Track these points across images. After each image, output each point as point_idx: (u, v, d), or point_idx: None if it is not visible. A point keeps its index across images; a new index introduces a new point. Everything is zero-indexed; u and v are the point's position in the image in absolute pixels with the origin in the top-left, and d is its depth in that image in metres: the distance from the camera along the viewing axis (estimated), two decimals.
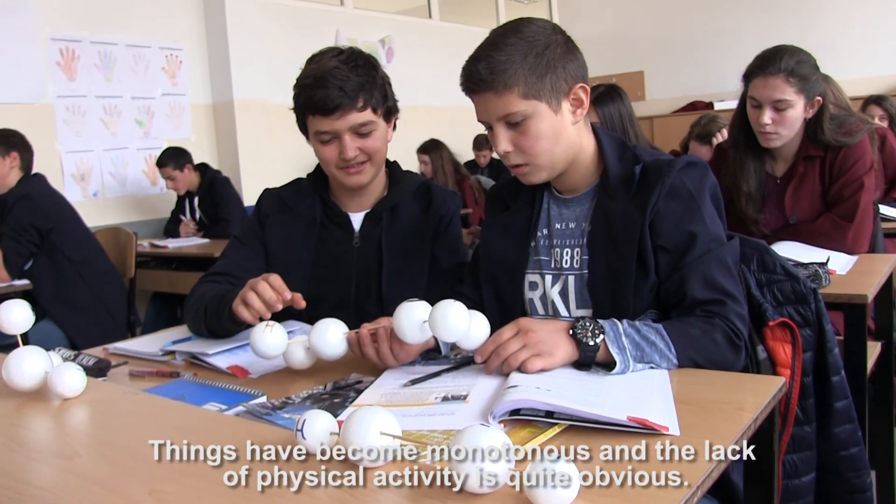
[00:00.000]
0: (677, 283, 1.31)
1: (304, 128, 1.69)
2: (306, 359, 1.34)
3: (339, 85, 1.57)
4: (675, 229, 1.32)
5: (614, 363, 1.16)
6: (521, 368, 1.14)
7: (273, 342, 1.31)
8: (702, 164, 1.39)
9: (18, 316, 1.28)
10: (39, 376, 1.19)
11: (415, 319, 1.20)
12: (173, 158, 4.58)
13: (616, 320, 1.22)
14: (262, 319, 1.37)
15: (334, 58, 1.62)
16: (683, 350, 1.20)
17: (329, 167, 1.68)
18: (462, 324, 1.18)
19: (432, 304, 1.21)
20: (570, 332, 1.18)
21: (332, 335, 1.30)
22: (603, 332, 1.18)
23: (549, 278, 1.46)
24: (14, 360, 1.19)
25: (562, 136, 1.36)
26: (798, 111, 2.20)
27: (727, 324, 1.25)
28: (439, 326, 1.17)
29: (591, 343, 1.17)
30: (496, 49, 1.31)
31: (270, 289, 1.38)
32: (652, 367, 1.19)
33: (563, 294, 1.44)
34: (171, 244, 4.38)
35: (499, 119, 1.35)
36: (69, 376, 1.16)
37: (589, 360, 1.17)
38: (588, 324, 1.19)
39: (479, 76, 1.31)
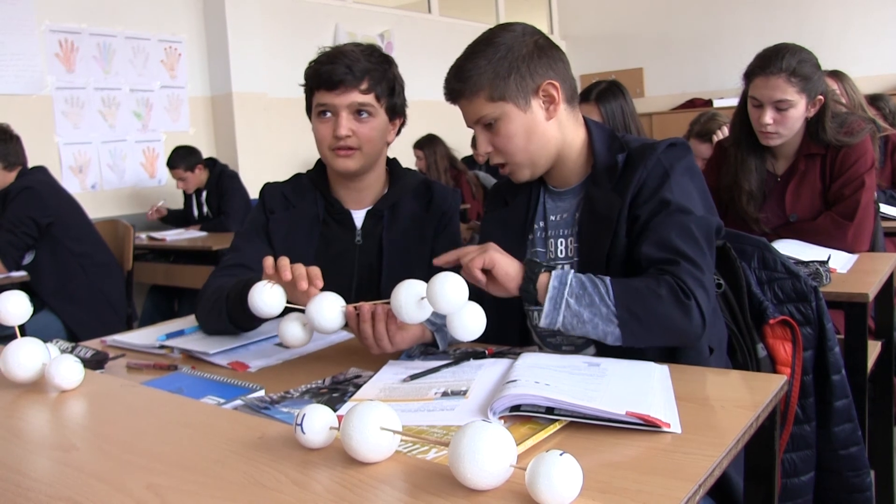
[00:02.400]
0: (639, 247, 1.31)
1: (310, 108, 1.69)
2: (302, 334, 1.31)
3: (347, 63, 1.61)
4: (650, 198, 1.33)
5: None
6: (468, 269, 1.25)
7: (270, 300, 1.28)
8: (682, 143, 1.40)
9: (16, 307, 1.27)
10: (37, 368, 1.19)
11: (413, 295, 1.19)
12: (184, 160, 4.57)
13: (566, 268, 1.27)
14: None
15: (354, 45, 1.67)
16: (622, 299, 1.19)
17: (322, 147, 1.68)
18: (460, 295, 1.16)
19: None
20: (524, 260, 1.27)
21: (329, 307, 1.27)
22: (552, 269, 1.24)
23: None
24: (11, 351, 1.18)
25: (535, 134, 1.39)
26: (799, 111, 2.20)
27: (675, 280, 1.22)
28: (437, 297, 1.15)
29: (539, 263, 1.25)
30: (466, 59, 1.39)
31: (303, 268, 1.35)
32: (593, 314, 1.20)
33: None
34: (169, 237, 4.36)
35: (475, 123, 1.41)
36: (66, 368, 1.16)
37: (531, 275, 1.24)
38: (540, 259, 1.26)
39: (450, 86, 1.41)
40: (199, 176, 4.67)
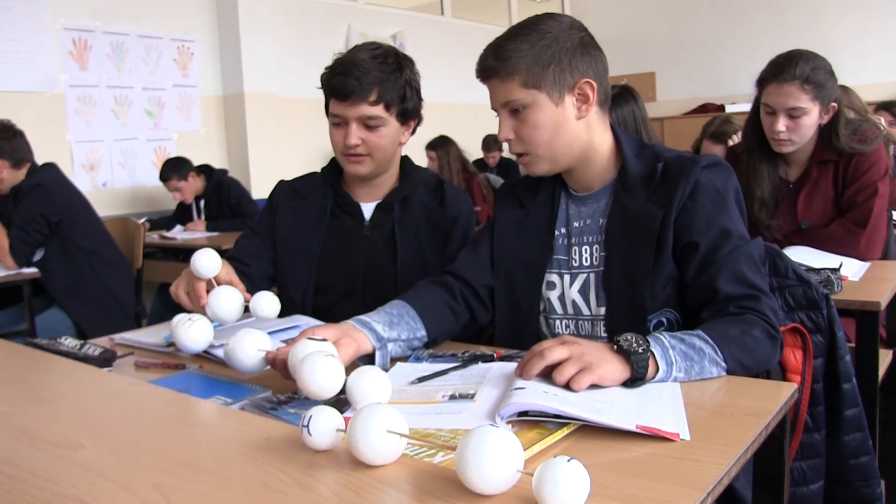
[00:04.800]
0: (707, 281, 1.29)
1: (328, 110, 1.74)
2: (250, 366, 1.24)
3: (357, 75, 1.65)
4: (707, 226, 1.31)
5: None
6: (569, 385, 1.05)
7: (194, 336, 1.28)
8: (726, 164, 1.38)
9: (210, 261, 1.48)
10: (238, 310, 1.48)
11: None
12: (175, 170, 4.55)
13: (657, 334, 1.16)
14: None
15: (369, 51, 1.70)
16: (729, 352, 1.17)
17: (336, 151, 1.75)
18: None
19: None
20: (615, 347, 1.11)
21: (246, 350, 1.19)
22: (648, 343, 1.11)
23: (567, 278, 1.45)
24: (214, 297, 1.46)
25: (563, 130, 1.36)
26: (813, 118, 2.18)
27: (763, 318, 1.23)
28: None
29: (640, 350, 1.09)
30: (508, 39, 1.35)
31: (186, 297, 1.54)
32: (701, 375, 1.14)
33: (584, 293, 1.43)
34: (180, 236, 4.38)
35: (502, 106, 1.38)
36: (266, 301, 1.46)
37: (642, 372, 1.08)
38: (629, 336, 1.11)
39: (486, 63, 1.37)
40: (194, 184, 4.63)
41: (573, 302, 1.45)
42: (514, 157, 1.46)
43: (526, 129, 1.37)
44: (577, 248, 1.45)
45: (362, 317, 1.33)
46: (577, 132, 1.38)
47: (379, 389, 1.03)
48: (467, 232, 1.80)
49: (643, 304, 1.32)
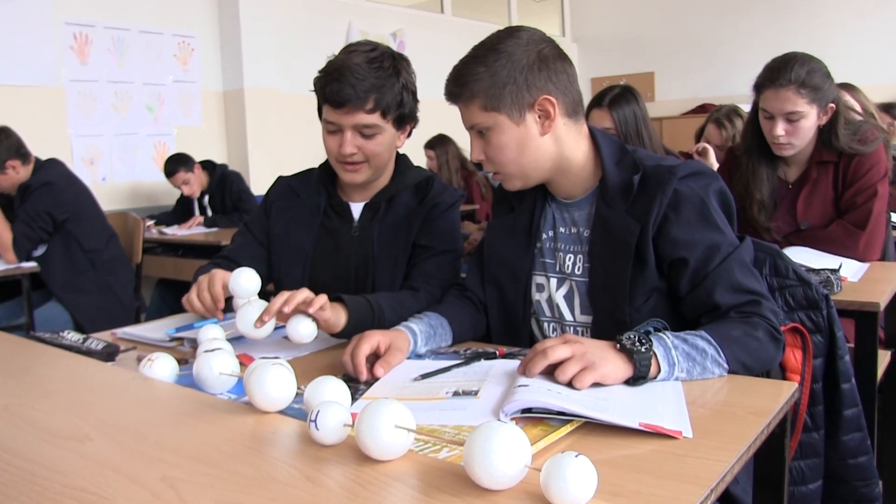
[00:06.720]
0: (704, 295, 1.29)
1: (321, 113, 1.70)
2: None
3: (352, 83, 1.58)
4: (694, 240, 1.30)
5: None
6: (571, 384, 1.07)
7: (158, 373, 1.25)
8: (707, 171, 1.38)
9: (249, 282, 1.41)
10: (269, 326, 1.38)
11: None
12: (182, 163, 4.54)
13: (660, 333, 1.17)
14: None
15: (363, 53, 1.63)
16: (731, 353, 1.17)
17: (330, 157, 1.71)
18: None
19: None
20: (617, 346, 1.12)
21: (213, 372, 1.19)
22: (650, 342, 1.13)
23: (553, 281, 1.46)
24: (246, 312, 1.37)
25: (528, 148, 1.36)
26: (811, 121, 2.18)
27: (765, 321, 1.24)
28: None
29: (643, 350, 1.11)
30: (466, 63, 1.36)
31: (208, 298, 1.48)
32: (703, 375, 1.15)
33: (569, 298, 1.44)
34: (180, 232, 4.37)
35: (469, 129, 1.40)
36: (304, 326, 1.37)
37: (644, 371, 1.10)
38: (632, 335, 1.13)
39: (448, 89, 1.39)
40: (201, 177, 4.64)
41: (557, 306, 1.46)
42: None
43: (492, 150, 1.38)
44: (562, 254, 1.46)
45: (412, 325, 1.40)
46: (543, 148, 1.37)
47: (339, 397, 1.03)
48: (446, 215, 1.74)
49: (623, 319, 1.32)
